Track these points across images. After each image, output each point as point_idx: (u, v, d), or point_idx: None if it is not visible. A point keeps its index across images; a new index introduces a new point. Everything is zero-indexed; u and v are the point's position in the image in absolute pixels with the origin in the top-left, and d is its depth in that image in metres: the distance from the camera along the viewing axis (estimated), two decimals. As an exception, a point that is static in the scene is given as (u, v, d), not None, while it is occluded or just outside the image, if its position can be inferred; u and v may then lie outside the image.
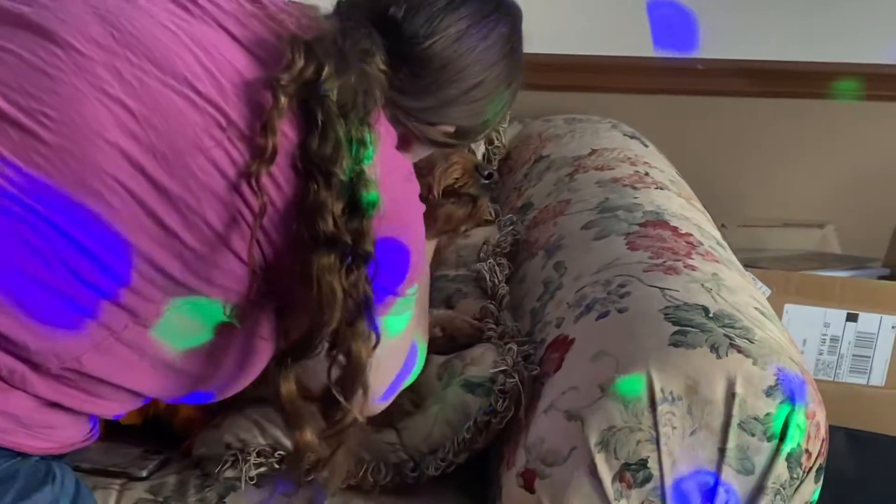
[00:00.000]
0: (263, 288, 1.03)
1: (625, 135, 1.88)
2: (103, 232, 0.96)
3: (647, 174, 1.62)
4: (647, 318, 1.11)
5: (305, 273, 0.99)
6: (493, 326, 1.36)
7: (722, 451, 1.03)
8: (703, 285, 1.17)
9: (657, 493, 1.04)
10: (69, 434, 1.05)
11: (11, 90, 0.97)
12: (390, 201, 1.02)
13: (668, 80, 2.14)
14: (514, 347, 1.25)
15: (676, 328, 1.07)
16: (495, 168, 1.49)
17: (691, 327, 1.07)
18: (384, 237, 1.02)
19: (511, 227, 1.62)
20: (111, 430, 1.32)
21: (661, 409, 1.03)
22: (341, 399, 1.01)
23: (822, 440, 1.06)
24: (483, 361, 1.27)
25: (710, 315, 1.10)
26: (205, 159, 0.97)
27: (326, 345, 1.01)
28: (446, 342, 1.38)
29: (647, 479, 1.04)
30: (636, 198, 1.48)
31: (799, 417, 1.03)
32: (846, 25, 2.10)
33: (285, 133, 0.99)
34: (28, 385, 0.99)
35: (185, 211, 0.97)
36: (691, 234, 1.35)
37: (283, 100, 0.98)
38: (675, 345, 1.05)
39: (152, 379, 1.05)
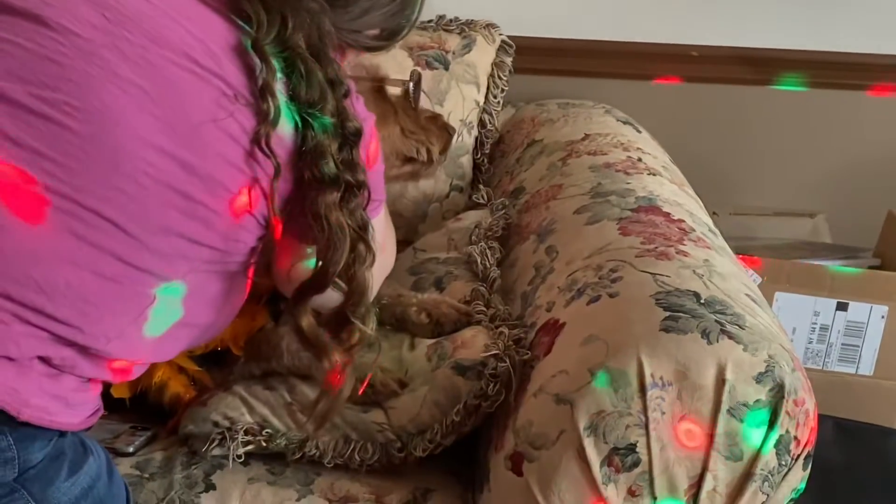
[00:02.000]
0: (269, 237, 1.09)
1: (618, 120, 1.88)
2: (139, 212, 0.98)
3: (639, 160, 1.61)
4: (639, 304, 1.11)
5: (314, 214, 1.05)
6: (483, 309, 1.35)
7: (711, 436, 1.03)
8: (694, 271, 1.17)
9: (645, 478, 1.04)
10: (90, 407, 1.07)
11: (28, 83, 0.96)
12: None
13: (662, 66, 2.13)
14: (506, 331, 1.25)
15: (667, 314, 1.07)
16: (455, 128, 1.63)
17: (682, 313, 1.07)
18: None
19: (503, 211, 1.61)
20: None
21: (651, 394, 1.03)
22: (356, 322, 1.09)
23: (811, 428, 1.07)
24: (474, 344, 1.27)
25: (702, 301, 1.10)
26: (219, 130, 1.00)
27: None
28: (432, 327, 1.38)
29: (636, 464, 1.04)
30: (629, 183, 1.48)
31: (788, 405, 1.03)
32: (842, 15, 2.09)
33: (278, 89, 1.02)
34: (77, 368, 1.01)
35: (207, 180, 1.00)
36: (683, 221, 1.34)
37: (273, 61, 1.02)
38: (666, 330, 1.05)
39: (174, 340, 1.10)
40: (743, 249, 1.78)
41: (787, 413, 1.03)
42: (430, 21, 1.90)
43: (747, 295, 1.17)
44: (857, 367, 1.79)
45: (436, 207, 1.83)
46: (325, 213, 1.04)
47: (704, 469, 1.04)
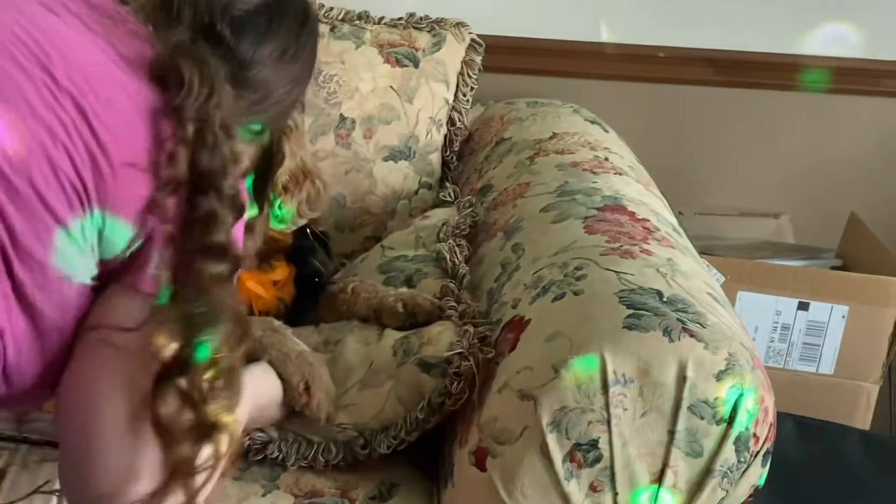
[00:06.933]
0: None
1: (586, 120, 1.89)
2: None
3: (606, 159, 1.63)
4: (603, 301, 1.12)
5: (198, 284, 0.95)
6: (454, 304, 1.36)
7: (671, 433, 1.05)
8: (658, 270, 1.18)
9: (607, 474, 1.05)
10: None
11: None
12: None
13: (630, 66, 2.14)
14: (471, 329, 1.26)
15: (631, 311, 1.08)
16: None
17: (645, 311, 1.08)
18: None
19: (470, 209, 1.62)
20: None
21: (614, 390, 1.04)
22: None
23: (770, 425, 1.08)
24: (440, 341, 1.27)
25: (664, 299, 1.11)
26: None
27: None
28: (406, 318, 1.38)
29: (598, 460, 1.05)
30: (595, 182, 1.49)
31: (748, 402, 1.05)
32: (808, 17, 2.11)
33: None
34: None
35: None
36: (648, 220, 1.36)
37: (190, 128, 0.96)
38: (629, 328, 1.07)
39: None
40: (708, 249, 1.80)
41: (747, 410, 1.05)
42: (399, 19, 1.91)
43: (709, 294, 1.18)
44: (818, 367, 1.81)
45: (404, 204, 1.83)
46: (208, 285, 0.96)
47: (665, 465, 1.05)
